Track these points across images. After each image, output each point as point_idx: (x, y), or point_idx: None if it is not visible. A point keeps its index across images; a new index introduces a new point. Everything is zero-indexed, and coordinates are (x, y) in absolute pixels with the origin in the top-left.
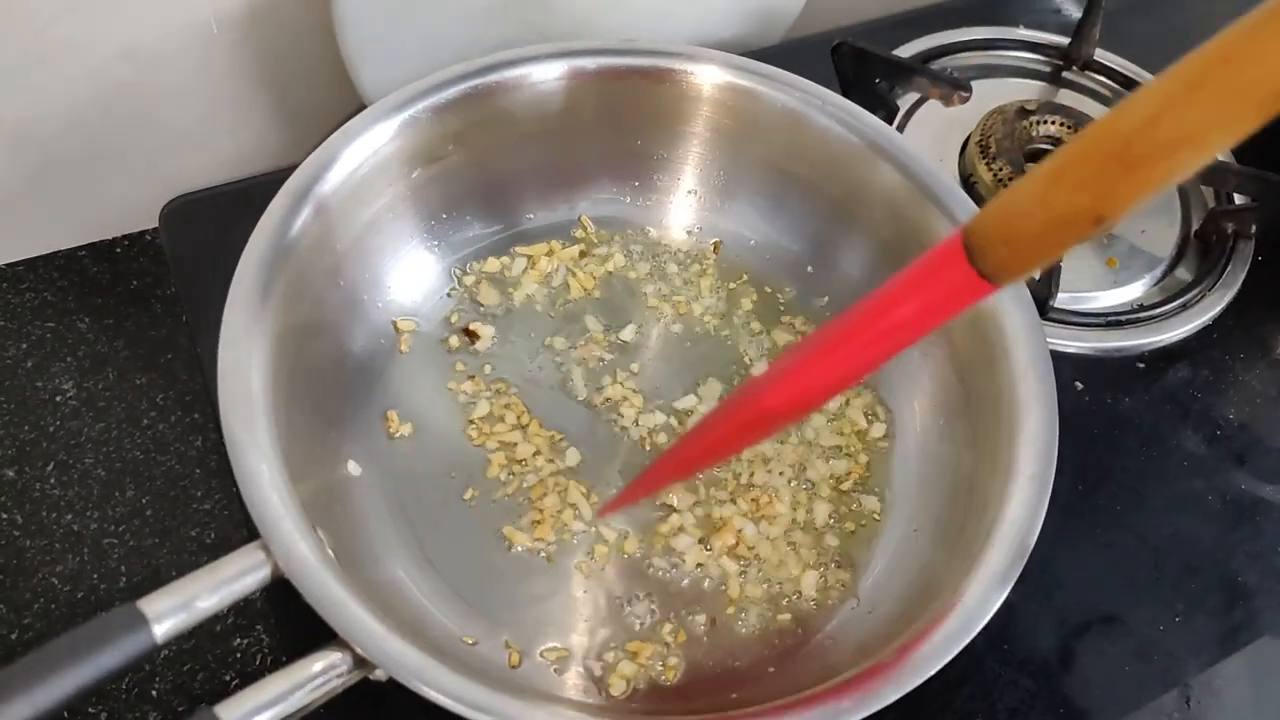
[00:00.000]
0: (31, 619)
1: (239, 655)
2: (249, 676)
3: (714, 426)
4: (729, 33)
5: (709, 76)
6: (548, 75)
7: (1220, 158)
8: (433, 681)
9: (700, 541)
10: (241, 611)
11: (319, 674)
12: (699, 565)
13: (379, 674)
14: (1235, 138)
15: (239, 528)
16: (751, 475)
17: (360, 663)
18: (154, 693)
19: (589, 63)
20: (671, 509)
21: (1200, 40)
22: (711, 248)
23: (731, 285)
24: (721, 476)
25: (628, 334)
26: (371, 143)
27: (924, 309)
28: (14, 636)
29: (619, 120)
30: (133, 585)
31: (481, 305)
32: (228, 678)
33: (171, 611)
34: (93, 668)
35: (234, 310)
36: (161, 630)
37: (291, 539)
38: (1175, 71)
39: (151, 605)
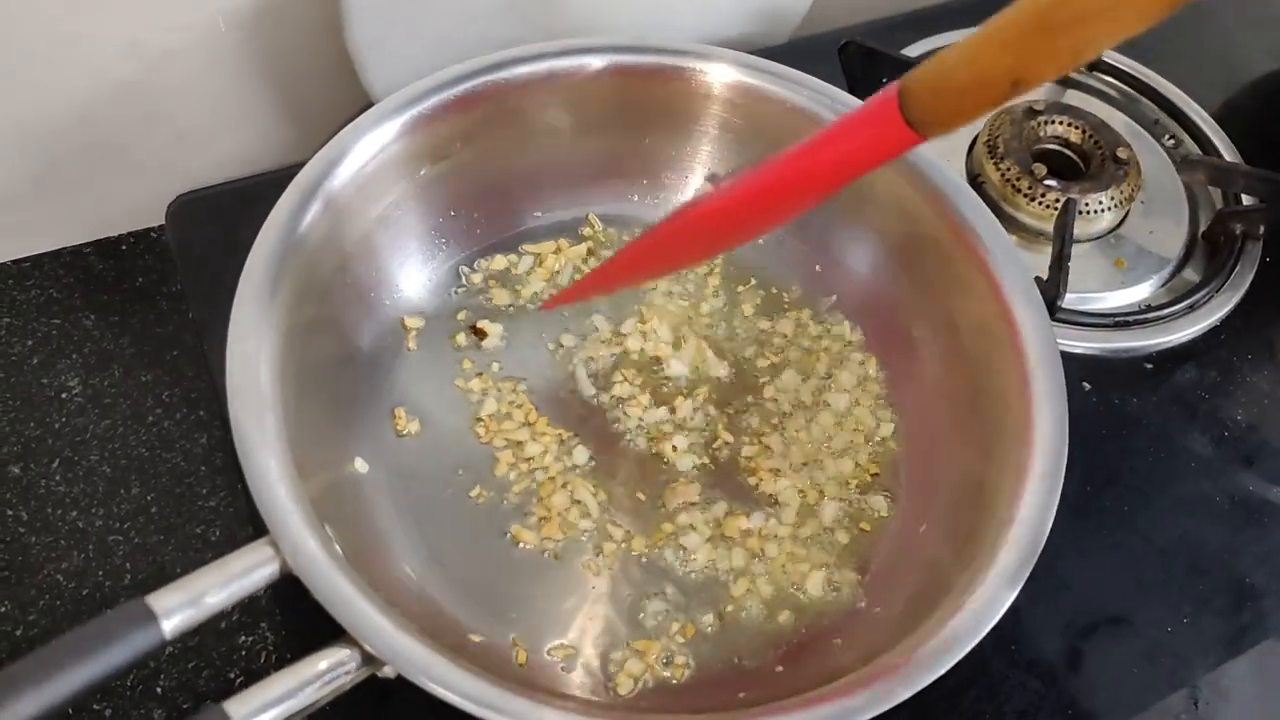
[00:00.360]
0: (37, 615)
1: (244, 652)
2: (254, 674)
3: (653, 234)
4: (736, 31)
5: (719, 75)
6: (556, 73)
7: (1228, 158)
8: (440, 678)
9: (708, 540)
10: (246, 609)
11: (327, 671)
12: (707, 564)
13: (387, 671)
14: (1142, 19)
15: (244, 525)
16: (760, 475)
17: (368, 660)
18: (159, 689)
19: (598, 60)
20: (680, 507)
21: (1206, 41)
22: None
23: (739, 287)
24: (731, 475)
25: (635, 333)
26: (380, 139)
27: (855, 149)
28: (19, 633)
29: (627, 118)
30: (138, 582)
31: (494, 304)
32: (232, 675)
33: (180, 607)
34: (101, 663)
35: (242, 306)
36: (170, 626)
37: (300, 535)
38: None
39: (160, 601)
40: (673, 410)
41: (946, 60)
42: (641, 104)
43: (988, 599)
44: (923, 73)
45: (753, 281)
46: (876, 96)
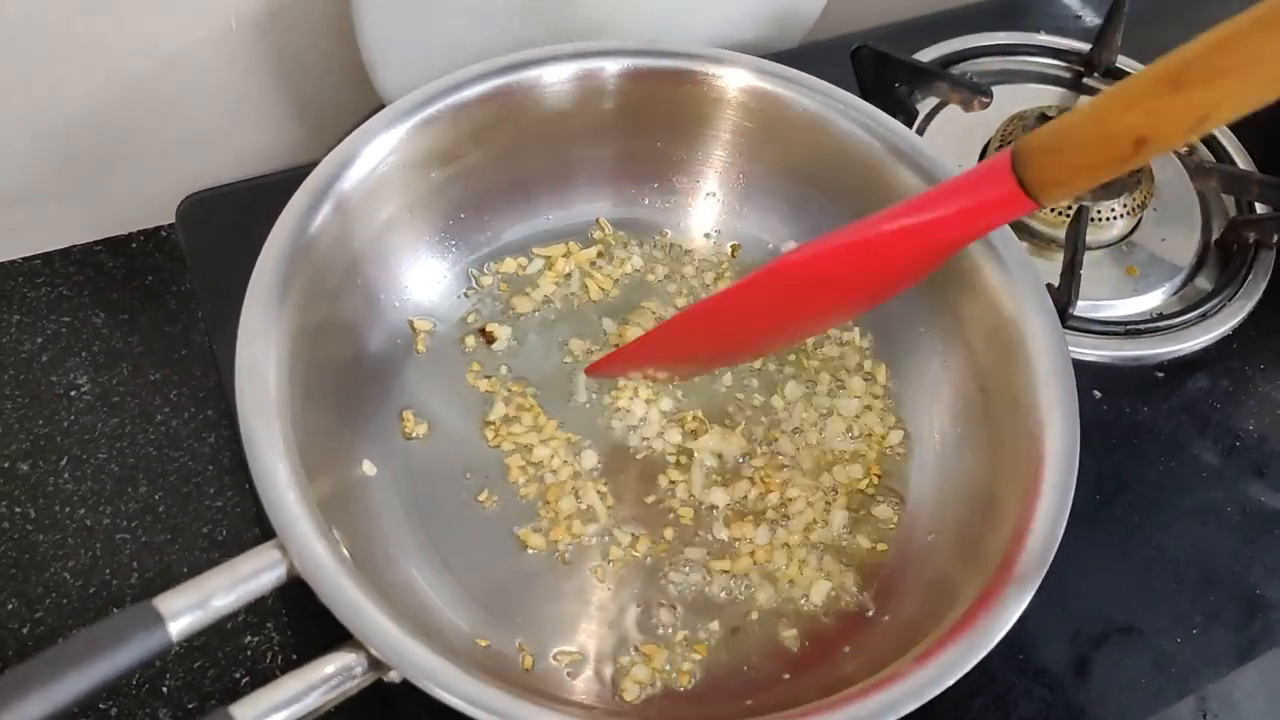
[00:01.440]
0: (43, 613)
1: (249, 653)
2: (259, 674)
3: (728, 299)
4: (748, 35)
5: (733, 79)
6: (568, 75)
7: (1242, 166)
8: (447, 684)
9: (717, 548)
10: (252, 609)
11: (334, 675)
12: (715, 571)
13: (393, 675)
14: (1276, 84)
15: (250, 525)
16: (768, 483)
17: (374, 664)
18: (164, 689)
19: (611, 63)
20: (690, 515)
21: None
22: (730, 251)
23: None
24: (740, 483)
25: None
26: (391, 141)
27: (962, 214)
28: (25, 631)
29: (639, 121)
30: (144, 581)
31: (504, 307)
32: (238, 675)
33: (187, 610)
34: (109, 665)
35: (252, 307)
36: (177, 628)
37: (308, 539)
38: (1247, 12)
39: (167, 603)
40: (681, 419)
41: (1065, 120)
42: (653, 107)
43: (998, 609)
44: (1040, 133)
45: None
46: (990, 159)
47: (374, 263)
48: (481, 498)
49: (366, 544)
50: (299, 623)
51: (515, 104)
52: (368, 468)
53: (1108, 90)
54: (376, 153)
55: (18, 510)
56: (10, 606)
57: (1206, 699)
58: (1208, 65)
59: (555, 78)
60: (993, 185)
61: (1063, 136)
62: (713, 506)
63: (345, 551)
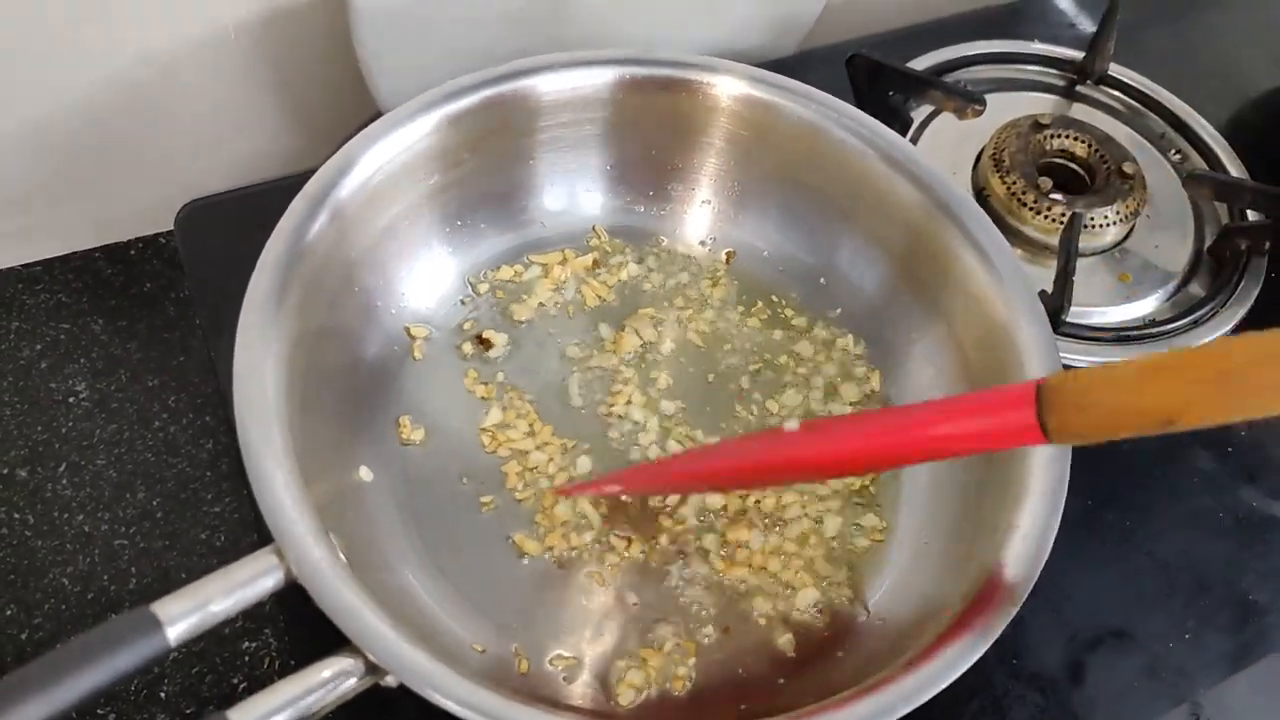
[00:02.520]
0: (42, 619)
1: (247, 658)
2: (257, 680)
3: (724, 455)
4: (743, 43)
5: (727, 88)
6: (564, 84)
7: (1234, 174)
8: (444, 689)
9: (711, 554)
10: (250, 615)
11: (330, 679)
12: (711, 576)
13: (389, 680)
14: None
15: (249, 531)
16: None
17: (371, 669)
18: (162, 694)
19: (605, 72)
20: (685, 520)
21: (1213, 56)
22: (725, 258)
23: (744, 297)
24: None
25: (639, 344)
26: (389, 149)
27: (977, 432)
28: (24, 636)
29: (634, 130)
30: (142, 587)
31: (500, 314)
32: (236, 680)
33: (185, 614)
34: (106, 670)
35: (250, 314)
36: (175, 633)
37: (305, 544)
38: None
39: (165, 608)
40: (674, 422)
41: (1100, 378)
42: (648, 115)
43: (989, 615)
44: (1071, 382)
45: (757, 289)
46: (1016, 389)
47: (371, 270)
48: (478, 503)
49: (363, 549)
50: (297, 629)
51: (511, 112)
52: (365, 473)
53: (1149, 360)
54: (374, 160)
55: (16, 516)
56: (9, 612)
57: (1200, 704)
58: (1258, 381)
59: (550, 86)
60: (1015, 421)
61: (1093, 399)
62: (708, 510)
63: (342, 556)
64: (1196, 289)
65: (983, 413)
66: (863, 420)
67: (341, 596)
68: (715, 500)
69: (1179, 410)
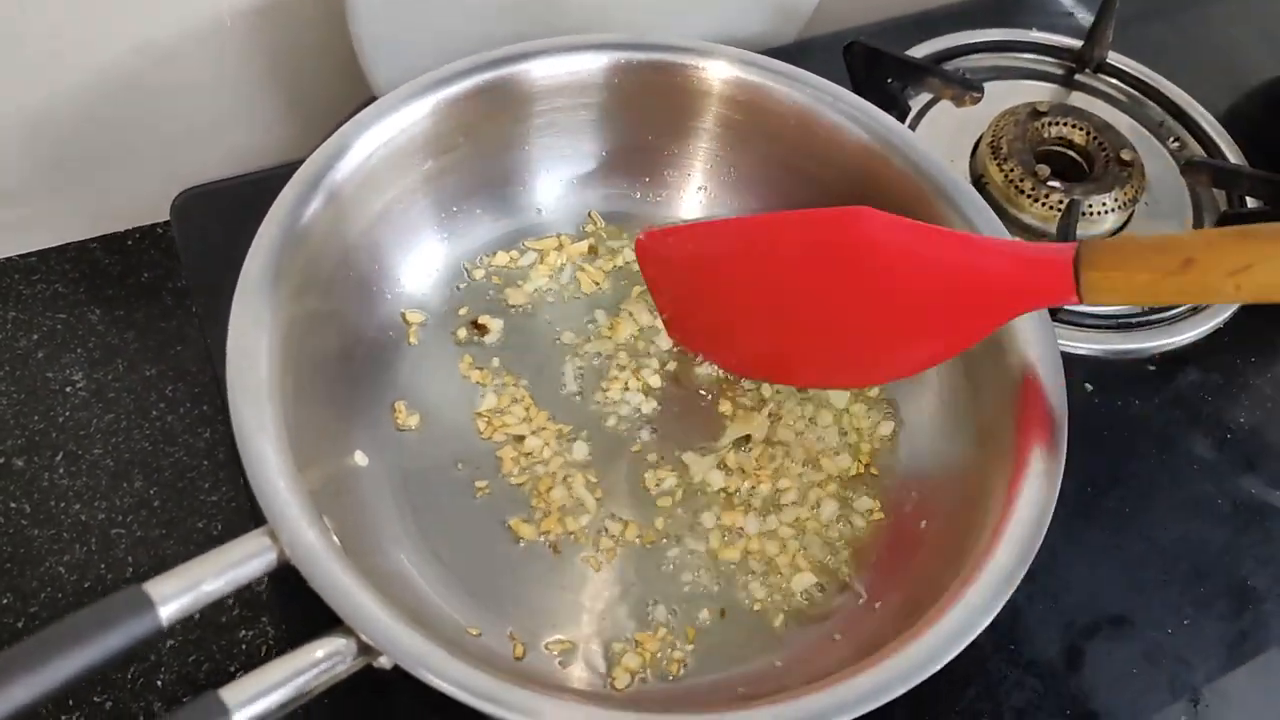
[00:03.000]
0: (38, 608)
1: (244, 646)
2: (254, 667)
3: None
4: (743, 31)
5: (719, 72)
6: (558, 69)
7: (1233, 161)
8: (437, 669)
9: (708, 537)
10: (247, 603)
11: (323, 659)
12: (706, 559)
13: (383, 661)
14: None
15: (246, 520)
16: (760, 473)
17: (365, 649)
18: (159, 682)
19: (600, 57)
20: (680, 503)
21: (1211, 44)
22: None
23: None
24: (730, 471)
25: (635, 329)
26: (383, 133)
27: (1015, 275)
28: (20, 625)
29: (629, 115)
30: (139, 575)
31: (496, 299)
32: (233, 669)
33: (177, 594)
34: (98, 649)
35: (244, 296)
36: (167, 613)
37: (298, 525)
38: None
39: (157, 588)
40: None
41: (1130, 238)
42: (642, 101)
43: (984, 596)
44: (1105, 243)
45: None
46: (1052, 247)
47: (366, 254)
48: (473, 488)
49: (358, 533)
50: (293, 615)
51: (505, 97)
52: (360, 458)
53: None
54: (368, 144)
55: (13, 505)
56: (5, 601)
57: (1198, 689)
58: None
59: (544, 71)
60: (1052, 269)
61: (1126, 238)
62: (705, 493)
63: (336, 539)
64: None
65: (1024, 262)
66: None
67: (334, 577)
68: (714, 481)
69: (1197, 250)
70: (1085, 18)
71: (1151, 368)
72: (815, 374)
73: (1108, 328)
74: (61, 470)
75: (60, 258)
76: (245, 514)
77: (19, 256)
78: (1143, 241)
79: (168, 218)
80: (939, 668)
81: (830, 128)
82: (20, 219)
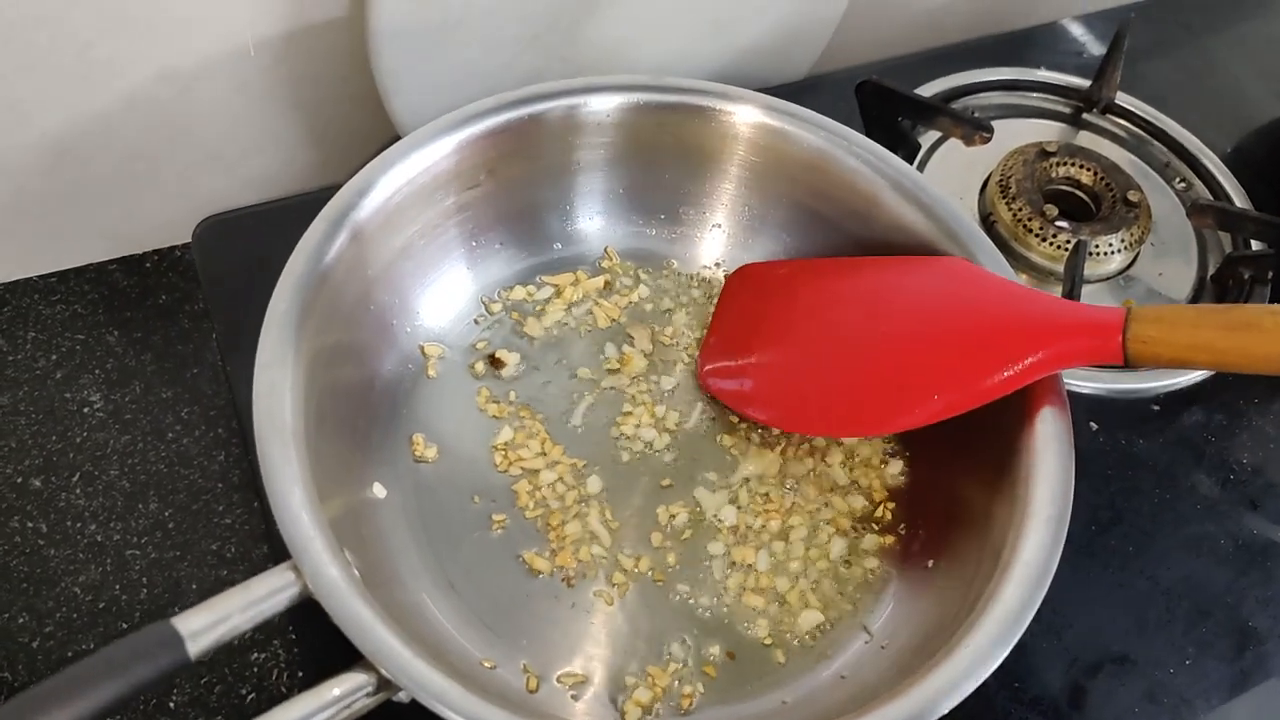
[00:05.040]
0: (53, 627)
1: (256, 670)
2: (265, 691)
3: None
4: (754, 67)
5: (743, 116)
6: (581, 109)
7: (1238, 204)
8: (457, 706)
9: (719, 572)
10: (259, 626)
11: (345, 695)
12: (718, 596)
13: (401, 696)
14: None
15: (259, 542)
16: (769, 511)
17: (384, 684)
18: (171, 704)
19: (622, 98)
20: (692, 538)
21: (1217, 86)
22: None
23: None
24: (742, 508)
25: (644, 364)
26: (407, 171)
27: (1069, 340)
28: (35, 645)
29: (649, 155)
30: (153, 596)
31: (513, 334)
32: (244, 691)
33: (205, 629)
34: (127, 683)
35: (270, 333)
36: (195, 648)
37: (321, 561)
38: None
39: (186, 623)
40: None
41: (1178, 308)
42: (663, 141)
43: (992, 640)
44: (1154, 309)
45: None
46: (1104, 309)
47: (387, 289)
48: (489, 521)
49: (376, 565)
50: (306, 640)
51: (529, 136)
52: (378, 490)
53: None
54: (393, 182)
55: (29, 525)
56: (21, 620)
57: None
58: None
59: (567, 111)
60: (1099, 333)
61: (1173, 315)
62: (719, 523)
63: (356, 573)
64: None
65: (1075, 326)
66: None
67: (356, 612)
68: (726, 517)
69: (1254, 321)
70: (1093, 57)
71: (1155, 407)
72: (870, 415)
73: (1113, 367)
74: (78, 491)
75: (79, 279)
76: (259, 536)
77: (38, 277)
78: (1194, 316)
79: (186, 241)
80: (945, 712)
81: (845, 170)
82: (40, 239)
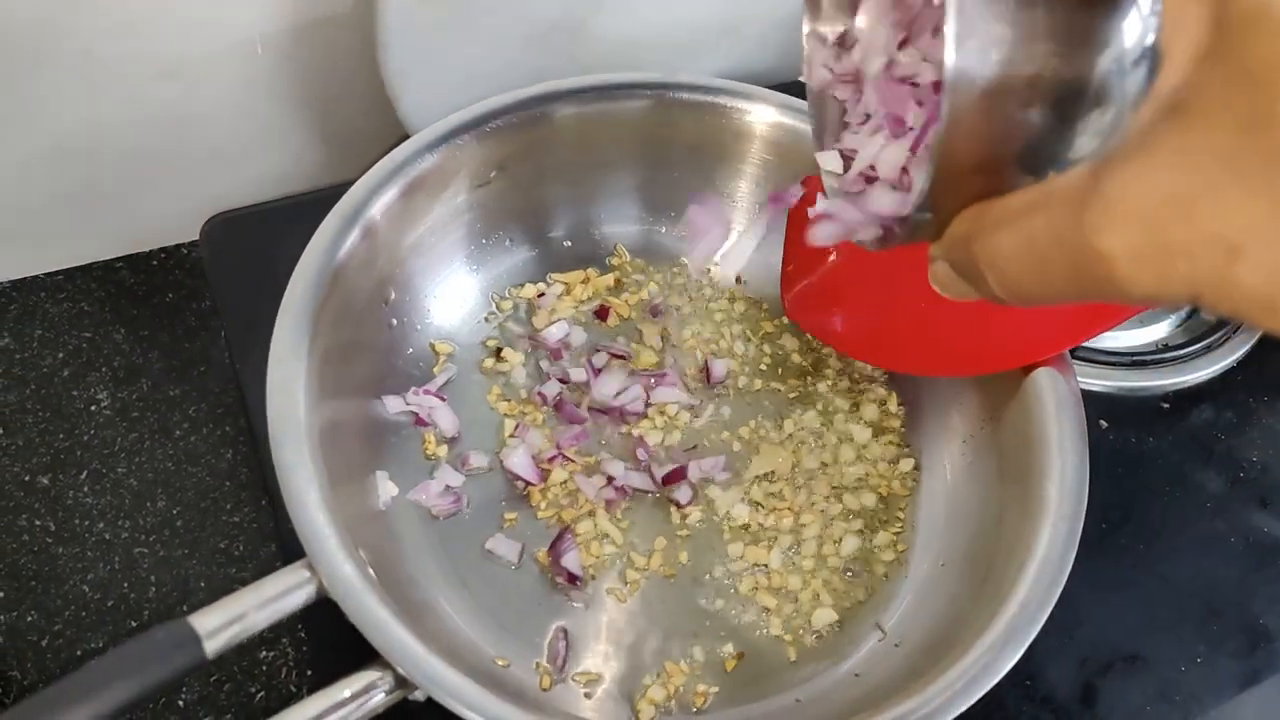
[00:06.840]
0: (62, 625)
1: (265, 668)
2: (275, 689)
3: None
4: (761, 64)
5: (760, 115)
6: (591, 108)
7: None
8: (473, 704)
9: (731, 569)
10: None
11: (361, 693)
12: (730, 593)
13: (417, 694)
14: None
15: (268, 540)
16: (781, 509)
17: (400, 683)
18: (181, 703)
19: (633, 96)
20: (704, 536)
21: None
22: (746, 279)
23: (763, 318)
24: (754, 505)
25: (654, 359)
26: (419, 168)
27: None
28: (44, 643)
29: (659, 152)
30: (161, 595)
31: (523, 331)
32: (254, 689)
33: (221, 628)
34: (145, 681)
35: (283, 330)
36: (212, 646)
37: (337, 560)
38: None
39: (202, 621)
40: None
41: None
42: (674, 139)
43: (1005, 639)
44: None
45: (776, 316)
46: None
47: (398, 286)
48: (502, 519)
49: (389, 563)
50: (315, 638)
51: (540, 134)
52: (390, 487)
53: None
54: (404, 179)
55: (38, 523)
56: (30, 619)
57: None
58: None
59: (578, 109)
60: None
61: None
62: (731, 521)
63: (371, 572)
64: (1208, 314)
65: None
66: None
67: (372, 611)
68: (739, 514)
69: None
70: None
71: (1165, 405)
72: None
73: (1122, 365)
74: (86, 489)
75: (86, 277)
76: (267, 534)
77: (45, 275)
78: None
79: (193, 239)
80: (960, 711)
81: None
82: (48, 237)
